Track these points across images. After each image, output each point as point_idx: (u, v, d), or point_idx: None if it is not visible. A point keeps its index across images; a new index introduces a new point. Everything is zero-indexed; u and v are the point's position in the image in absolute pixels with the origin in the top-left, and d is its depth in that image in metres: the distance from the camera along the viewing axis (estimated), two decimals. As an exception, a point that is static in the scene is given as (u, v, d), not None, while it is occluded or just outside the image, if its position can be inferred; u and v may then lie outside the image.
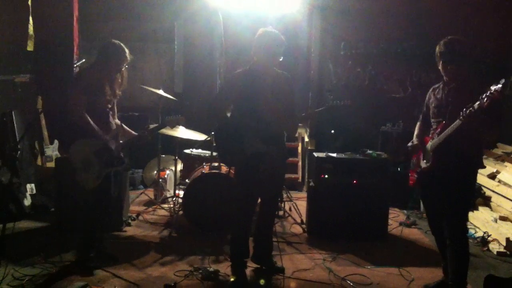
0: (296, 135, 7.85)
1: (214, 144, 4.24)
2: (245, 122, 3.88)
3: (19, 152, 5.76)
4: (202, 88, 7.73)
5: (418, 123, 4.09)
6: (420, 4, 7.22)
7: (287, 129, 4.13)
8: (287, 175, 7.10)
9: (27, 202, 5.70)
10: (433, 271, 4.13)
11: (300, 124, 6.82)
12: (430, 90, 3.92)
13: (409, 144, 4.00)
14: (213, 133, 4.49)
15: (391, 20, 7.28)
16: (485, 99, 3.17)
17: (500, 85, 3.12)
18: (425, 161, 3.81)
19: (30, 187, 5.88)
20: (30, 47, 6.30)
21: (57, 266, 4.15)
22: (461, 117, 3.33)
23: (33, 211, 5.71)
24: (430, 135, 3.83)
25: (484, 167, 3.81)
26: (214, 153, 5.37)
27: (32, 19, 6.24)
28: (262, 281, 3.97)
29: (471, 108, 3.26)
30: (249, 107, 3.89)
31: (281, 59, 3.95)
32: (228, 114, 4.15)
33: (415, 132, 4.05)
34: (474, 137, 3.52)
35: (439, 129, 3.65)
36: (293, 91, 4.13)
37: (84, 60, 5.27)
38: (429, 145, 3.76)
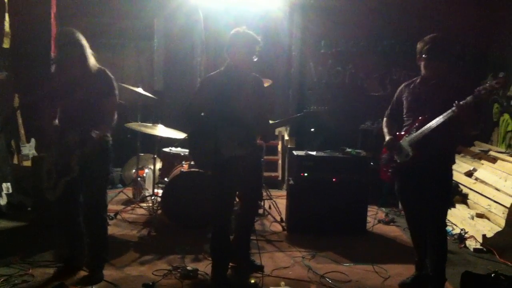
0: (276, 133, 7.86)
1: (189, 147, 4.14)
2: (221, 124, 3.77)
3: (-5, 150, 5.68)
4: (182, 86, 7.68)
5: (386, 120, 4.12)
6: (400, 2, 7.25)
7: (262, 132, 4.10)
8: (267, 174, 7.10)
9: (3, 201, 5.62)
10: (411, 268, 4.16)
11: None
12: (402, 86, 3.99)
13: (387, 140, 3.96)
14: (187, 135, 4.33)
15: (371, 18, 7.32)
16: (482, 91, 3.31)
17: (501, 77, 3.32)
18: (399, 156, 3.82)
19: (6, 186, 5.78)
20: (6, 44, 6.21)
21: (34, 266, 4.08)
22: (454, 108, 3.40)
23: (10, 211, 5.63)
24: (403, 132, 3.84)
25: (454, 162, 3.88)
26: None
27: (9, 16, 6.15)
28: (252, 280, 3.95)
29: (466, 100, 3.35)
30: (224, 109, 3.80)
31: (255, 59, 3.86)
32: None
33: (386, 130, 4.06)
34: (454, 132, 3.62)
35: (417, 124, 3.70)
36: (266, 95, 4.12)
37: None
38: (405, 140, 3.77)
